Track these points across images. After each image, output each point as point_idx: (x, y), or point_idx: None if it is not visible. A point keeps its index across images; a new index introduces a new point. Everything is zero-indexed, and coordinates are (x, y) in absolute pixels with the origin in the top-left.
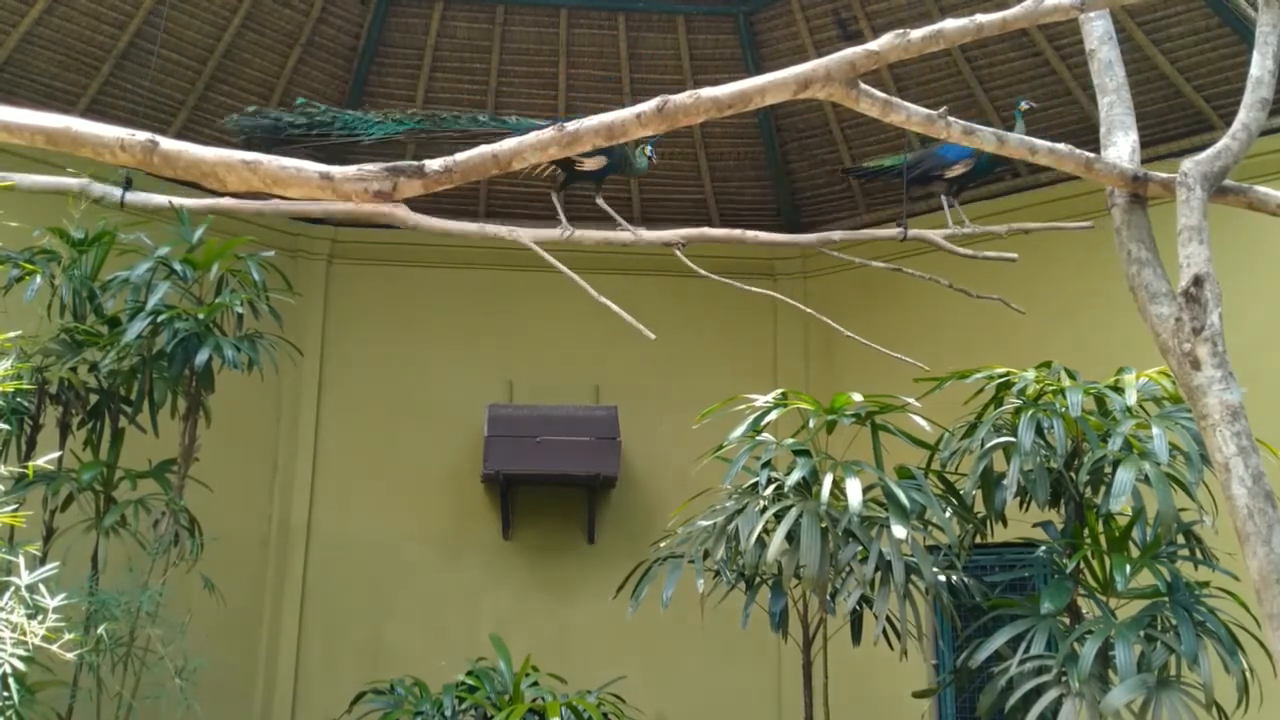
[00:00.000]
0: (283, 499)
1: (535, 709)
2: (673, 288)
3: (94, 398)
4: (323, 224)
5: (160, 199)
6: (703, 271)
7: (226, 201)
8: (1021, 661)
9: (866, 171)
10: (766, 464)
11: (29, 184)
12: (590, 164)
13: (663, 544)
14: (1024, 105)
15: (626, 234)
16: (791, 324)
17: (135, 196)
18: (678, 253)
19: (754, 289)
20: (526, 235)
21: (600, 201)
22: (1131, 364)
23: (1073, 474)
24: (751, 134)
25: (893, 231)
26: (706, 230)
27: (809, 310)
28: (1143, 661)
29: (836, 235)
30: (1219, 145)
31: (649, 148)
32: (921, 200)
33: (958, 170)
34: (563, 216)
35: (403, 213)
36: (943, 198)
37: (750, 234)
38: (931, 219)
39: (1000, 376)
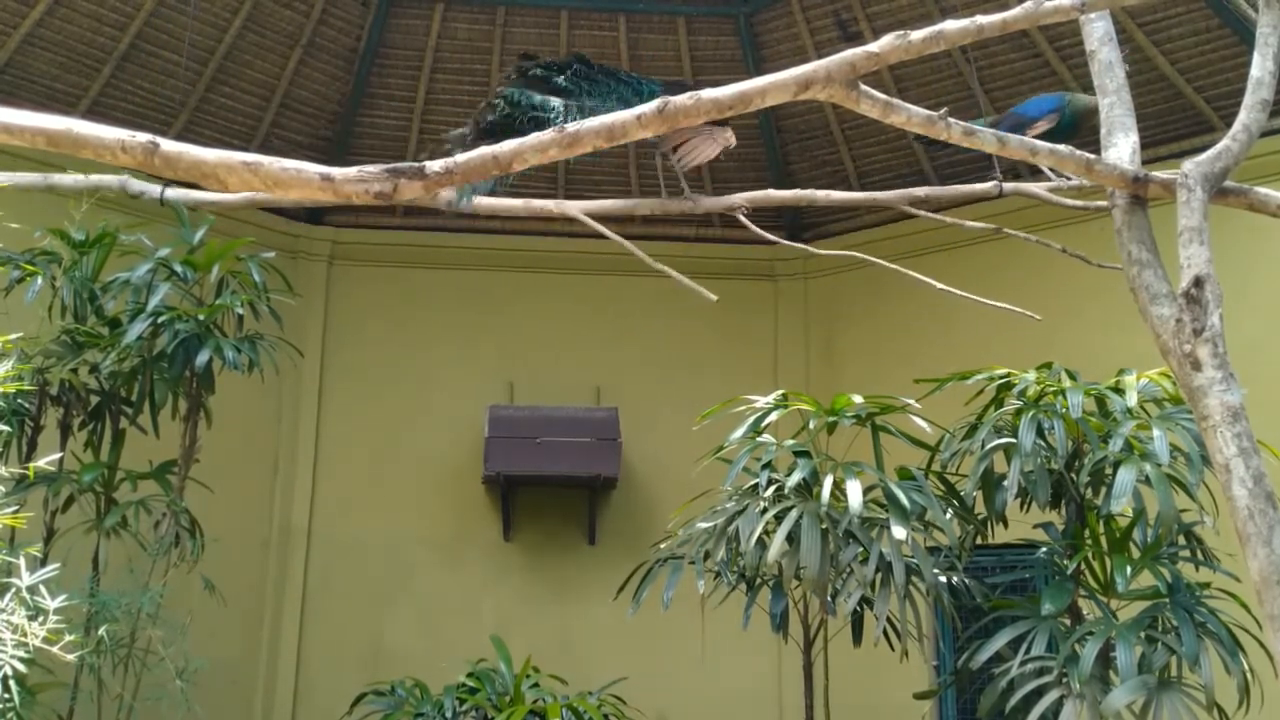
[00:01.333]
0: (283, 500)
1: (536, 710)
2: (673, 288)
3: (95, 399)
4: (324, 225)
5: (199, 194)
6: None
7: (262, 195)
8: (1022, 663)
9: (943, 142)
10: (767, 465)
11: (69, 184)
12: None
13: (663, 545)
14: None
15: (687, 202)
16: (792, 325)
17: (176, 193)
18: (742, 217)
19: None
20: (575, 208)
21: (676, 166)
22: (1132, 365)
23: (1073, 475)
24: (752, 135)
25: (988, 185)
26: (771, 192)
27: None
28: (1143, 663)
29: (922, 192)
30: (1219, 146)
31: None
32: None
33: (1041, 127)
34: (685, 186)
35: (446, 193)
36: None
37: (822, 194)
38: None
39: (1001, 377)
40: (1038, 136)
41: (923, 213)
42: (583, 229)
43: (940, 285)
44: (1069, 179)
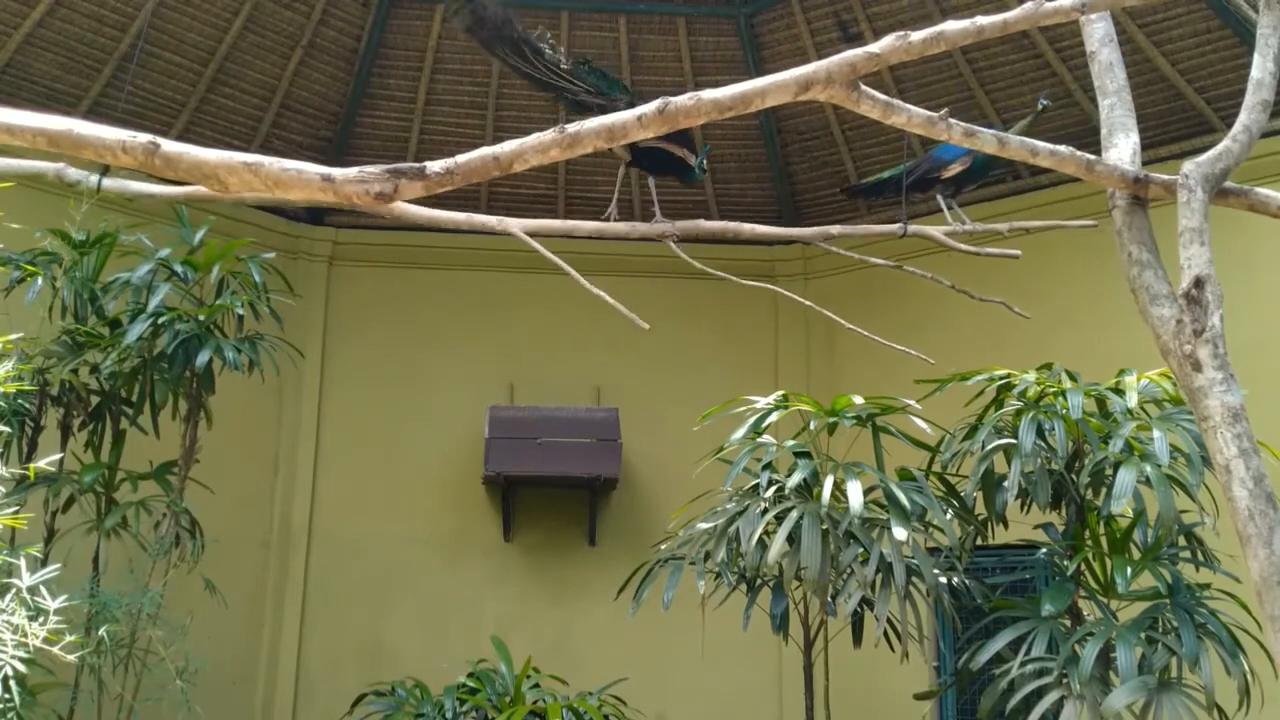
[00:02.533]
0: (284, 500)
1: (536, 711)
2: (674, 289)
3: (95, 399)
4: (324, 225)
5: (138, 186)
6: (696, 263)
7: (197, 190)
8: (1022, 663)
9: (867, 187)
10: (767, 466)
11: (4, 168)
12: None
13: (664, 546)
14: (1042, 104)
15: (622, 226)
16: (792, 325)
17: (112, 183)
18: (671, 245)
19: (754, 283)
20: (517, 226)
21: (650, 185)
22: (1132, 366)
23: (1074, 476)
24: (753, 136)
25: (893, 227)
26: (700, 223)
27: (809, 304)
28: (1144, 663)
29: (835, 230)
30: (1220, 147)
31: (704, 160)
32: (921, 204)
33: (955, 170)
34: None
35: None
36: (939, 198)
37: (747, 227)
38: (933, 220)
39: (1001, 378)
40: (952, 177)
41: (835, 249)
42: (582, 230)
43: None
44: (964, 223)
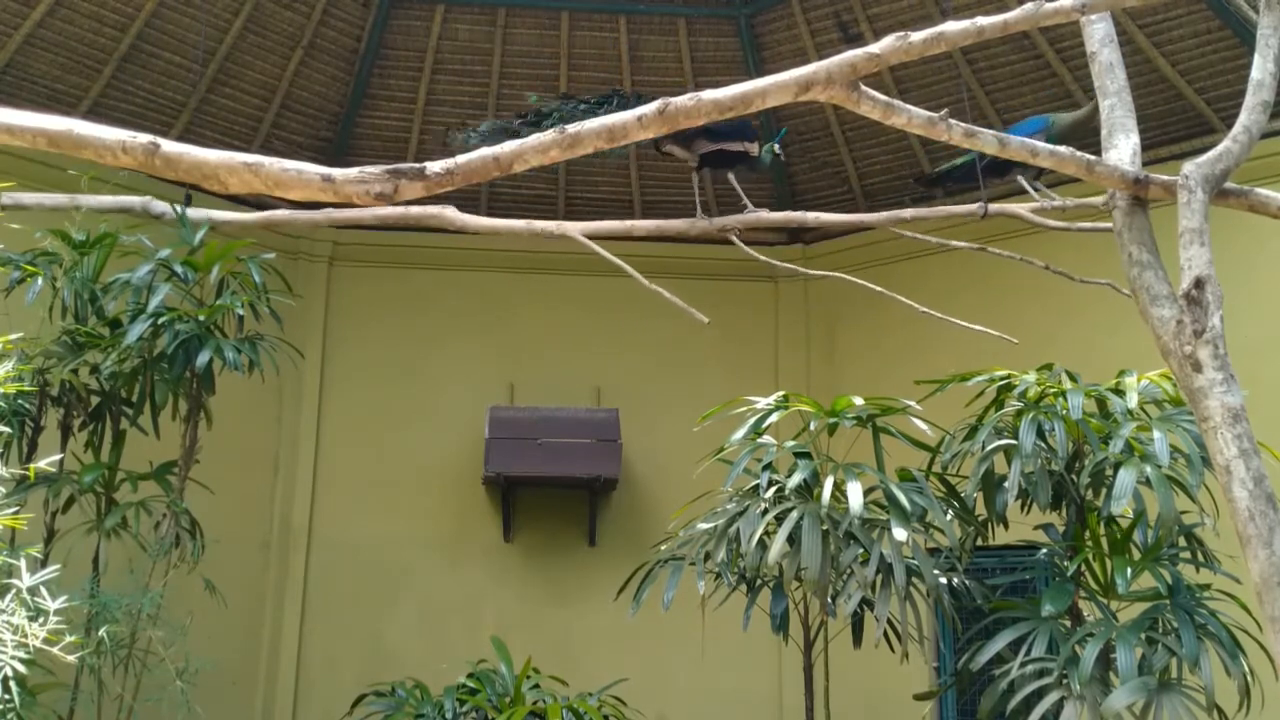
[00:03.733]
0: (284, 501)
1: (536, 711)
2: (674, 290)
3: (95, 400)
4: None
5: (221, 214)
6: (761, 257)
7: (280, 214)
8: (1023, 664)
9: (940, 176)
10: (767, 466)
11: (94, 204)
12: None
13: (664, 546)
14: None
15: (682, 223)
16: (792, 326)
17: (196, 213)
18: (734, 238)
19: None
20: (575, 229)
21: (732, 179)
22: (1133, 366)
23: (1074, 476)
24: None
25: (973, 207)
26: (764, 214)
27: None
28: (1144, 664)
29: (908, 214)
30: (1220, 148)
31: (776, 145)
32: (901, 196)
33: None
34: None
35: (450, 213)
36: (1021, 179)
37: (811, 216)
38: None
39: (1001, 379)
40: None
41: (909, 234)
42: (641, 229)
43: (922, 308)
44: (1053, 200)
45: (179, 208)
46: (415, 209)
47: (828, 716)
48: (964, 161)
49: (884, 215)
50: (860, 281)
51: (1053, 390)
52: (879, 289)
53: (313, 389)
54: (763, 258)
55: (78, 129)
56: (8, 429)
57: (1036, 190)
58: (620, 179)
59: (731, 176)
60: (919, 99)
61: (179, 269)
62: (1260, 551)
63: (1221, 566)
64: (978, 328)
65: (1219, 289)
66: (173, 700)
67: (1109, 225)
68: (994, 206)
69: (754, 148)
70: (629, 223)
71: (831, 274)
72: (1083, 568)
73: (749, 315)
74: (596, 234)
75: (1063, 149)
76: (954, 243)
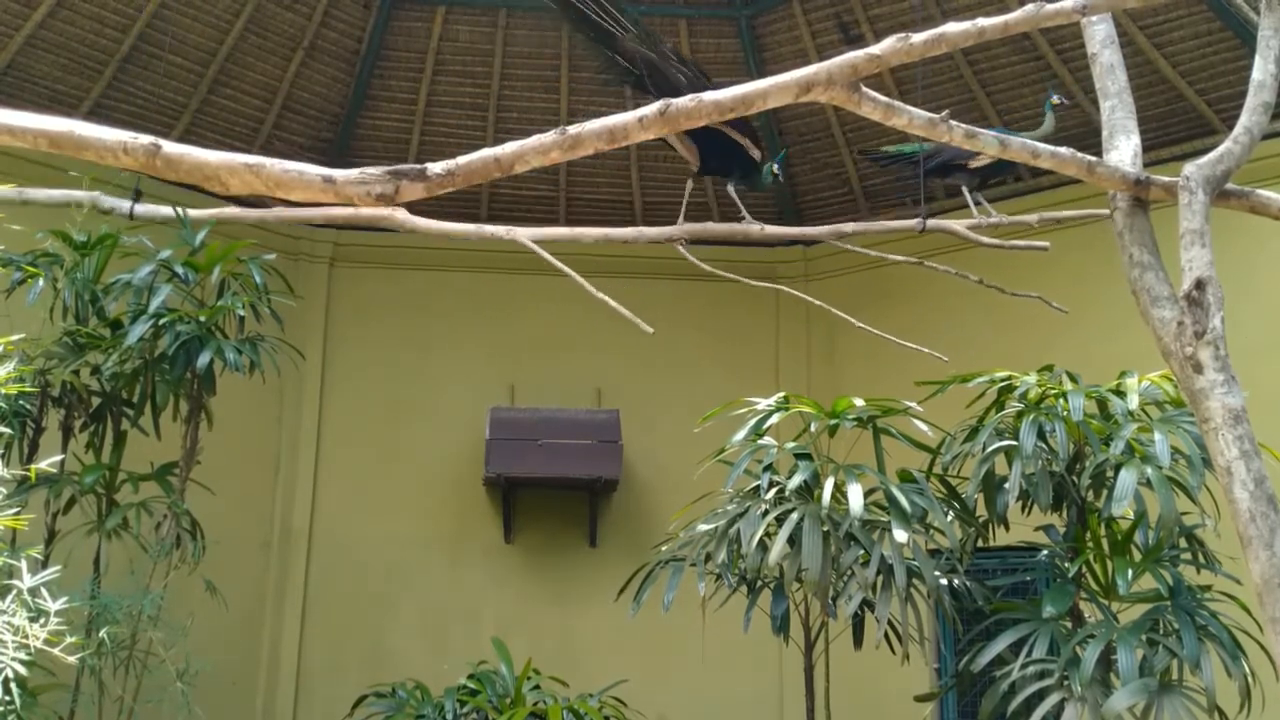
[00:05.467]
0: (284, 502)
1: (537, 712)
2: (675, 291)
3: (96, 400)
4: (325, 227)
5: (167, 210)
6: (705, 266)
7: (230, 210)
8: (1023, 665)
9: (883, 156)
10: (768, 467)
11: (41, 198)
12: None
13: (664, 547)
14: (1055, 99)
15: (628, 231)
16: (793, 327)
17: (144, 208)
18: (679, 248)
19: (759, 283)
20: (524, 234)
21: (731, 190)
22: (1133, 367)
23: (1075, 478)
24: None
25: (910, 223)
26: (709, 225)
27: (817, 302)
28: (1145, 665)
29: (849, 228)
30: (1221, 149)
31: (776, 165)
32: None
33: (982, 160)
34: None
35: (401, 216)
36: (964, 189)
37: (756, 228)
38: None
39: (1002, 380)
40: (979, 167)
41: (850, 247)
42: (588, 236)
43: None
44: (990, 216)
45: (129, 202)
46: (366, 210)
47: (828, 718)
48: (911, 151)
49: (825, 229)
50: (839, 312)
51: (1053, 391)
52: (858, 322)
53: (313, 390)
54: (706, 266)
55: (79, 130)
56: (9, 430)
57: (977, 204)
58: (621, 181)
59: (730, 189)
60: (920, 100)
61: (180, 270)
62: (1261, 553)
63: (1222, 568)
64: (912, 345)
65: (1220, 290)
66: (173, 701)
67: (1043, 244)
68: (931, 223)
69: (755, 149)
70: (576, 230)
71: (772, 284)
72: (1084, 569)
73: (749, 316)
74: (544, 239)
75: (1063, 150)
76: (892, 256)
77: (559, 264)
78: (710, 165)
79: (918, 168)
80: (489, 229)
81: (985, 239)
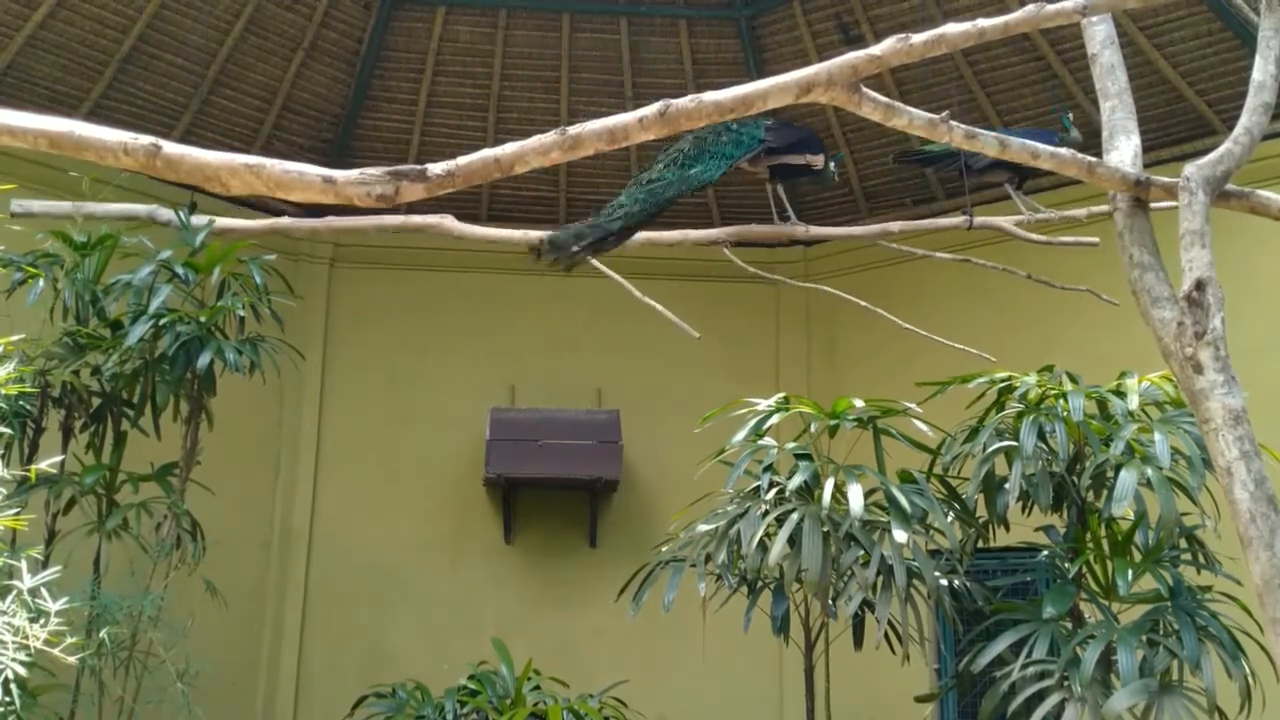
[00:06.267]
0: (285, 502)
1: (537, 713)
2: (675, 291)
3: (96, 401)
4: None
5: (227, 221)
6: (750, 268)
7: (284, 220)
8: (1023, 666)
9: (924, 155)
10: (768, 468)
11: (100, 213)
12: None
13: (664, 548)
14: (1068, 117)
15: (673, 234)
16: (793, 327)
17: (201, 220)
18: (725, 250)
19: (797, 283)
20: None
21: (779, 190)
22: (1133, 368)
23: (1075, 478)
24: None
25: (958, 220)
26: (753, 227)
27: (849, 297)
28: (1145, 666)
29: (895, 226)
30: (1221, 149)
31: (834, 164)
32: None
33: None
34: (791, 211)
35: (450, 223)
36: (1007, 187)
37: (800, 227)
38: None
39: (1002, 380)
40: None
41: (895, 245)
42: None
43: (906, 324)
44: (1038, 211)
45: (184, 214)
46: (417, 218)
47: (828, 718)
48: (944, 151)
49: (873, 229)
50: (847, 296)
51: (1054, 392)
52: (865, 303)
53: (314, 390)
54: (751, 268)
55: (79, 131)
56: (9, 430)
57: (1021, 199)
58: (621, 182)
59: (779, 189)
60: (920, 100)
61: (180, 270)
62: (1261, 553)
63: (1222, 568)
64: (959, 346)
65: (1220, 291)
66: (173, 702)
67: (1092, 240)
68: (979, 219)
69: (819, 160)
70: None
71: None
72: (1084, 569)
73: (750, 317)
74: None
75: (1064, 151)
76: (938, 254)
77: (609, 270)
78: (777, 176)
79: (959, 165)
80: (535, 235)
81: (1033, 235)
